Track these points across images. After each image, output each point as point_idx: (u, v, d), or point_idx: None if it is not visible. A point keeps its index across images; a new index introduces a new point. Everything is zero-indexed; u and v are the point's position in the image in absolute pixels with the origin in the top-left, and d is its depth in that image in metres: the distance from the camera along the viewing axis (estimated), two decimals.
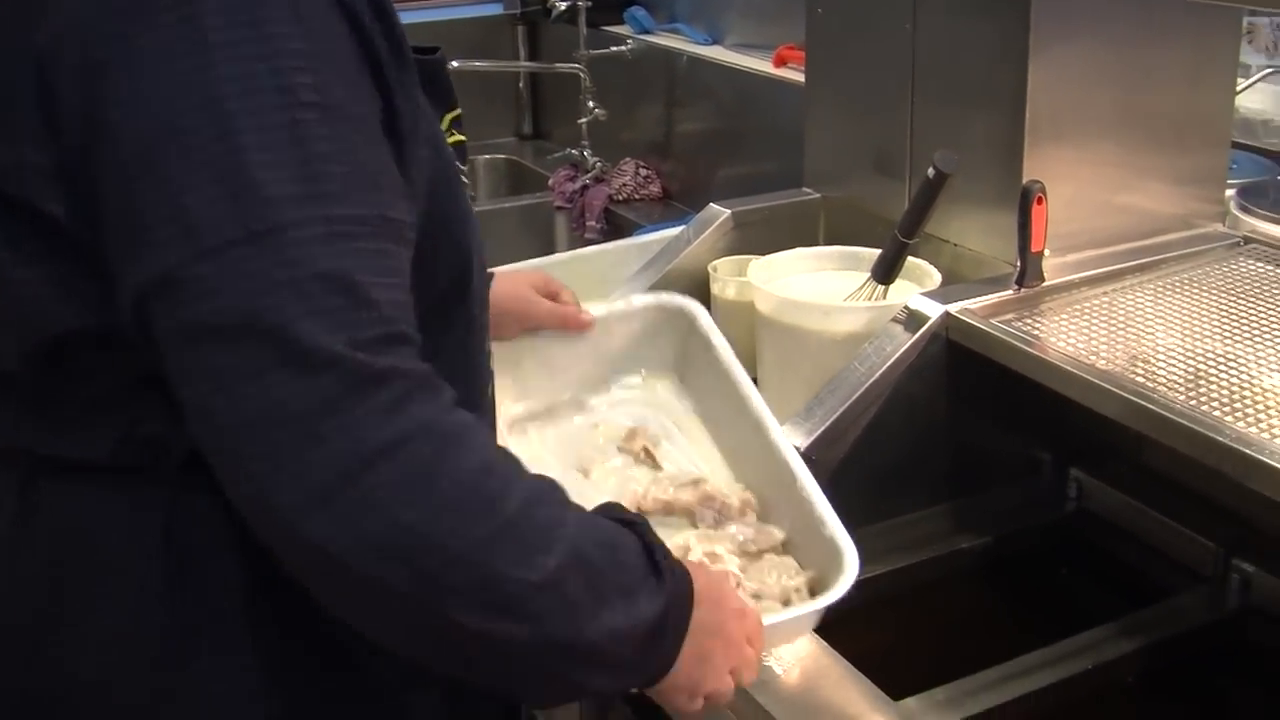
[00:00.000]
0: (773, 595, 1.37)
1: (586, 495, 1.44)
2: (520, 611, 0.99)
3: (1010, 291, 1.78)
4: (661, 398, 1.71)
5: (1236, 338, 1.66)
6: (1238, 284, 1.84)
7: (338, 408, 0.93)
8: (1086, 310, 1.76)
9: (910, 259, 1.93)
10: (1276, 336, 1.66)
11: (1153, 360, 1.59)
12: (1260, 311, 1.74)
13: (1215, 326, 1.70)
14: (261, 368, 0.93)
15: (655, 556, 1.10)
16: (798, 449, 1.64)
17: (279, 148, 0.95)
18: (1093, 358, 1.60)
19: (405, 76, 1.07)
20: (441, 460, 0.97)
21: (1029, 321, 1.71)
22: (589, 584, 1.03)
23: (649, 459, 1.61)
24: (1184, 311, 1.75)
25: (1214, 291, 1.82)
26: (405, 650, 1.05)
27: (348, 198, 0.97)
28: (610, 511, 1.16)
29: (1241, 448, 1.39)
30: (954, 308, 1.74)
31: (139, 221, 0.96)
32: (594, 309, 1.70)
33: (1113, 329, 1.69)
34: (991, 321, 1.70)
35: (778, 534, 1.45)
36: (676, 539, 1.43)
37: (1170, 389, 1.52)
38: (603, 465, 1.61)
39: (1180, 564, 1.81)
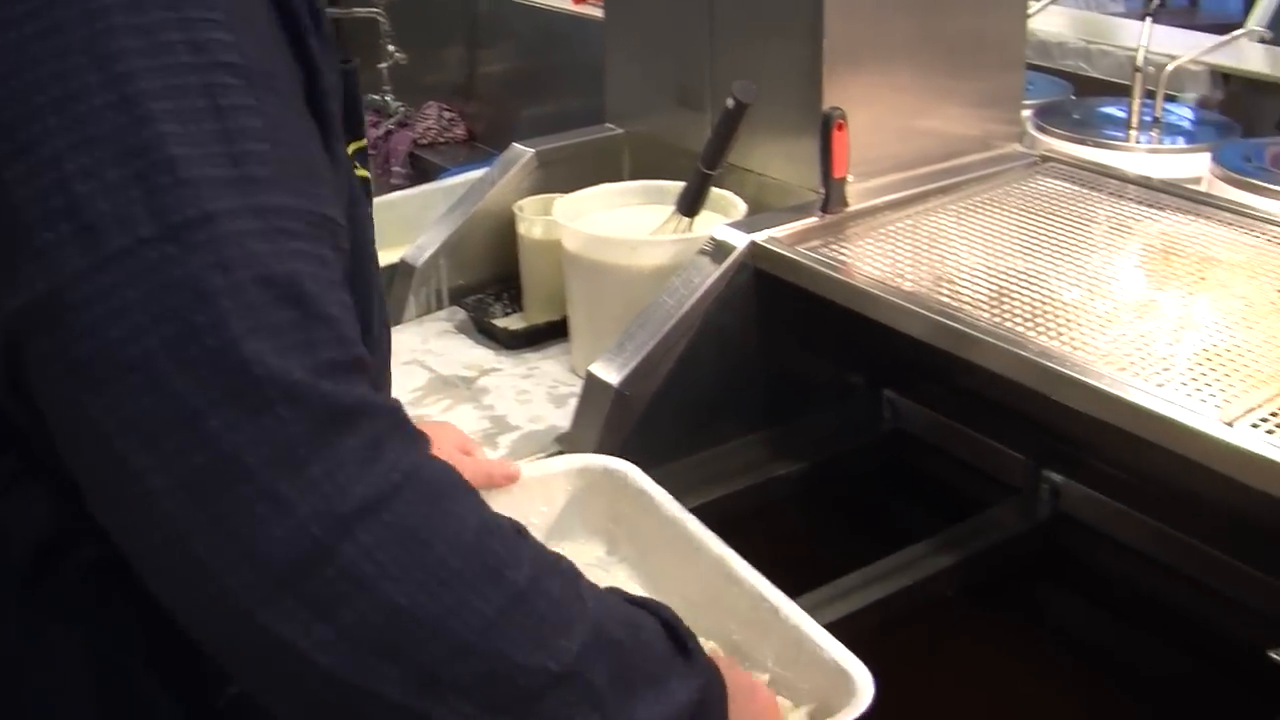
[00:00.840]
0: None
1: None
2: (539, 711, 0.79)
3: (815, 218, 1.79)
4: (587, 564, 1.58)
5: (1037, 254, 1.69)
6: (1037, 202, 1.88)
7: (303, 457, 0.72)
8: (891, 233, 1.77)
9: (715, 190, 1.93)
10: (1076, 252, 1.70)
11: (957, 280, 1.61)
12: (1059, 228, 1.77)
13: (1017, 244, 1.72)
14: (198, 408, 0.71)
15: (680, 635, 0.92)
16: (610, 385, 1.64)
17: (196, 118, 0.74)
18: (898, 280, 1.61)
19: (326, 51, 0.87)
20: (433, 520, 0.77)
21: (834, 247, 1.72)
22: (616, 671, 0.83)
23: None
24: (986, 231, 1.77)
25: (1014, 210, 1.85)
26: None
27: (281, 185, 0.76)
28: (617, 591, 0.95)
29: (1045, 361, 1.41)
30: (759, 237, 1.74)
31: (8, 228, 0.73)
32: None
33: (917, 251, 1.71)
34: (797, 249, 1.71)
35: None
36: None
37: (975, 307, 1.54)
38: None
39: (993, 478, 1.85)
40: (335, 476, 0.73)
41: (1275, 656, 1.28)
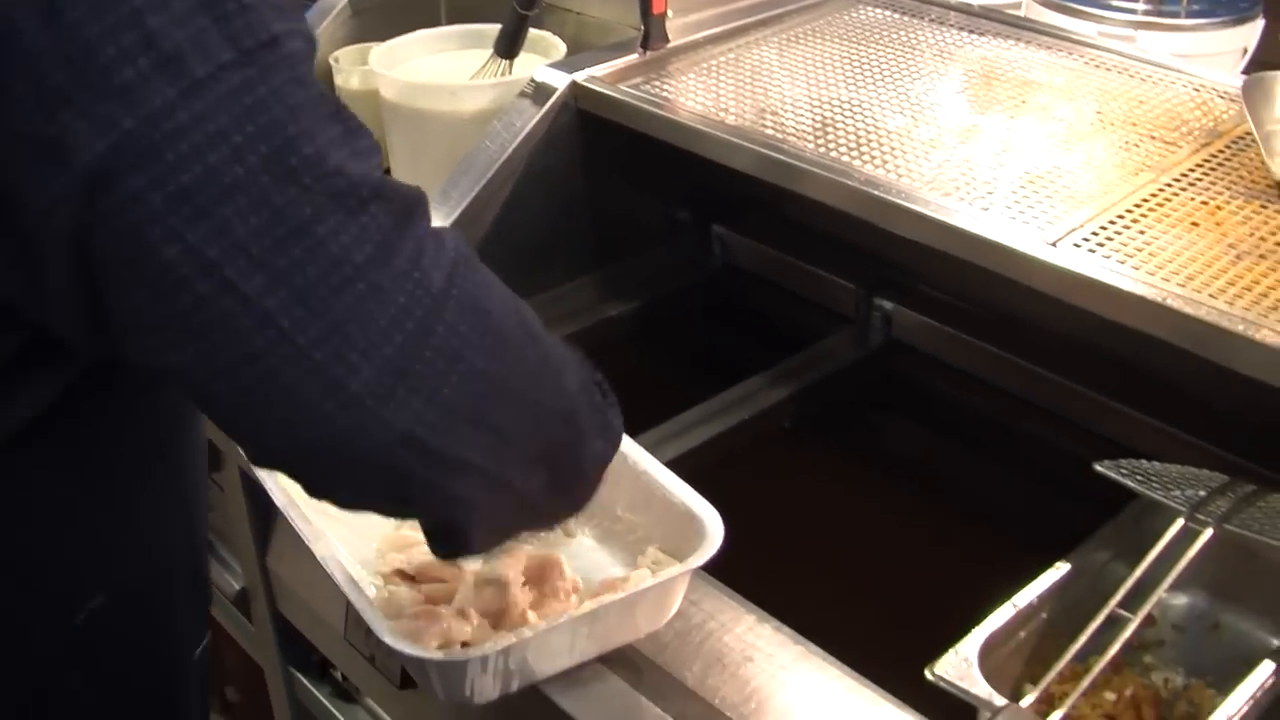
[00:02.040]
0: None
1: (372, 521, 1.32)
2: (570, 449, 0.92)
3: (635, 56, 1.76)
4: None
5: (861, 84, 1.68)
6: (859, 31, 1.87)
7: (394, 249, 0.77)
8: (713, 68, 1.75)
9: (534, 31, 1.89)
10: (899, 80, 1.69)
11: (781, 112, 1.60)
12: (882, 56, 1.77)
13: (840, 74, 1.72)
14: (305, 219, 0.75)
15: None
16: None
17: None
18: (722, 114, 1.60)
19: None
20: (484, 289, 0.84)
21: (656, 84, 1.70)
22: (594, 401, 0.96)
23: None
24: (809, 62, 1.76)
25: (837, 40, 1.83)
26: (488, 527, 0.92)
27: (295, 11, 0.79)
28: None
29: (871, 190, 1.41)
30: (580, 76, 1.71)
31: (80, 70, 0.72)
32: None
33: (740, 84, 1.69)
34: (619, 87, 1.68)
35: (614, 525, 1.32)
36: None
37: (799, 138, 1.53)
38: None
39: (825, 308, 1.86)
40: (420, 263, 0.78)
41: (1101, 470, 1.31)
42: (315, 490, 0.87)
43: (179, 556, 1.15)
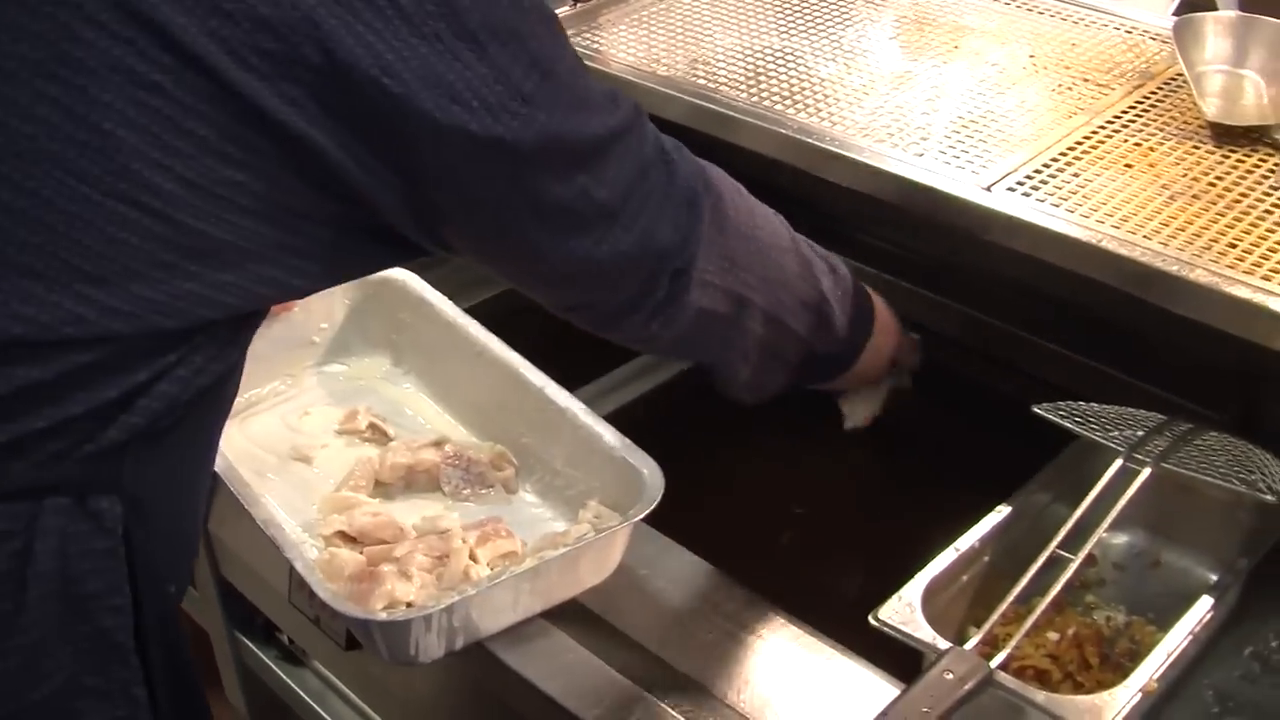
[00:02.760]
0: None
1: (313, 482, 1.36)
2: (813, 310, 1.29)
3: (568, 7, 1.75)
4: (375, 378, 1.53)
5: (792, 32, 1.68)
6: None
7: (674, 166, 1.12)
8: (644, 19, 1.74)
9: None
10: (830, 27, 1.69)
11: (713, 62, 1.59)
12: (813, 4, 1.76)
13: (771, 23, 1.71)
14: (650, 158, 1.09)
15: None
16: None
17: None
18: (654, 65, 1.59)
19: None
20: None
21: (588, 35, 1.68)
22: (841, 292, 1.36)
23: (378, 434, 1.42)
24: (740, 11, 1.75)
25: None
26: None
27: None
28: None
29: (804, 138, 1.41)
30: None
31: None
32: None
33: (671, 35, 1.68)
34: None
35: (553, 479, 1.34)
36: (429, 512, 1.29)
37: (732, 88, 1.52)
38: (324, 450, 1.41)
39: None
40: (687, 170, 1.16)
41: (1039, 412, 1.31)
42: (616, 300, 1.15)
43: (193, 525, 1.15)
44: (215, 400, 1.02)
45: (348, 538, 1.23)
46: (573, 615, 1.18)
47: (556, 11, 1.68)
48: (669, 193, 1.10)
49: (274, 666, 1.71)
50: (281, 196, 0.90)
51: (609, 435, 1.25)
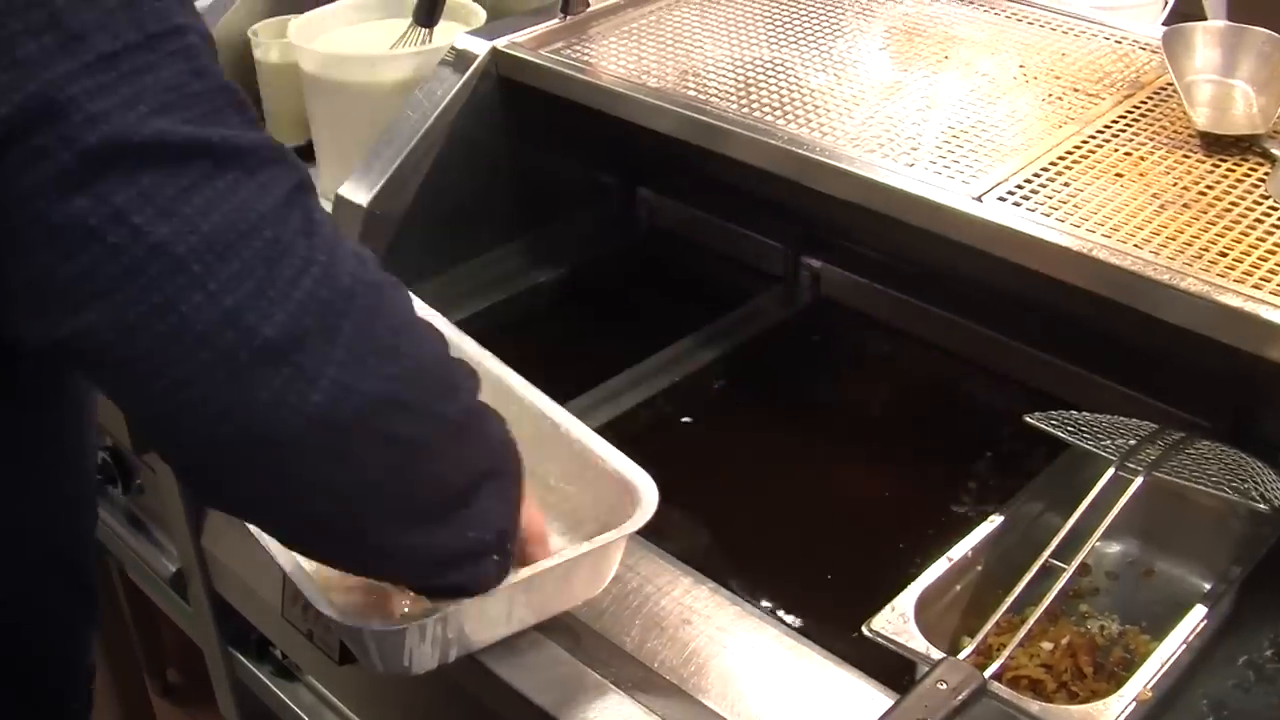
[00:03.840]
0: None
1: None
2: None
3: (556, 21, 1.74)
4: None
5: (782, 43, 1.68)
6: None
7: (292, 208, 0.82)
8: (635, 31, 1.74)
9: None
10: (820, 38, 1.69)
11: (703, 73, 1.59)
12: (803, 15, 1.76)
13: (761, 34, 1.71)
14: (209, 171, 0.78)
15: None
16: (360, 206, 1.59)
17: None
18: (644, 77, 1.59)
19: None
20: (364, 263, 0.87)
21: (578, 49, 1.68)
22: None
23: None
24: (730, 22, 1.75)
25: (758, 1, 1.82)
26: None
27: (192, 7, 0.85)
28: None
29: (794, 148, 1.41)
30: (501, 43, 1.69)
31: None
32: None
33: (662, 47, 1.68)
34: (540, 52, 1.67)
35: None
36: None
37: (722, 99, 1.52)
38: None
39: (753, 268, 1.86)
40: (317, 226, 0.83)
41: (1032, 421, 1.32)
42: (220, 482, 0.86)
43: (59, 554, 1.14)
44: None
45: None
46: (566, 627, 1.18)
47: (545, 25, 1.70)
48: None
49: (268, 682, 1.71)
50: None
51: (602, 449, 1.24)
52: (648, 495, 1.17)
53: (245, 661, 1.75)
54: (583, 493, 1.26)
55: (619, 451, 1.23)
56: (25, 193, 0.76)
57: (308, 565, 1.17)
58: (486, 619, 1.13)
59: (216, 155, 0.79)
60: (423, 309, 1.38)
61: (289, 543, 0.98)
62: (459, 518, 0.95)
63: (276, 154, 0.82)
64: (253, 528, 1.15)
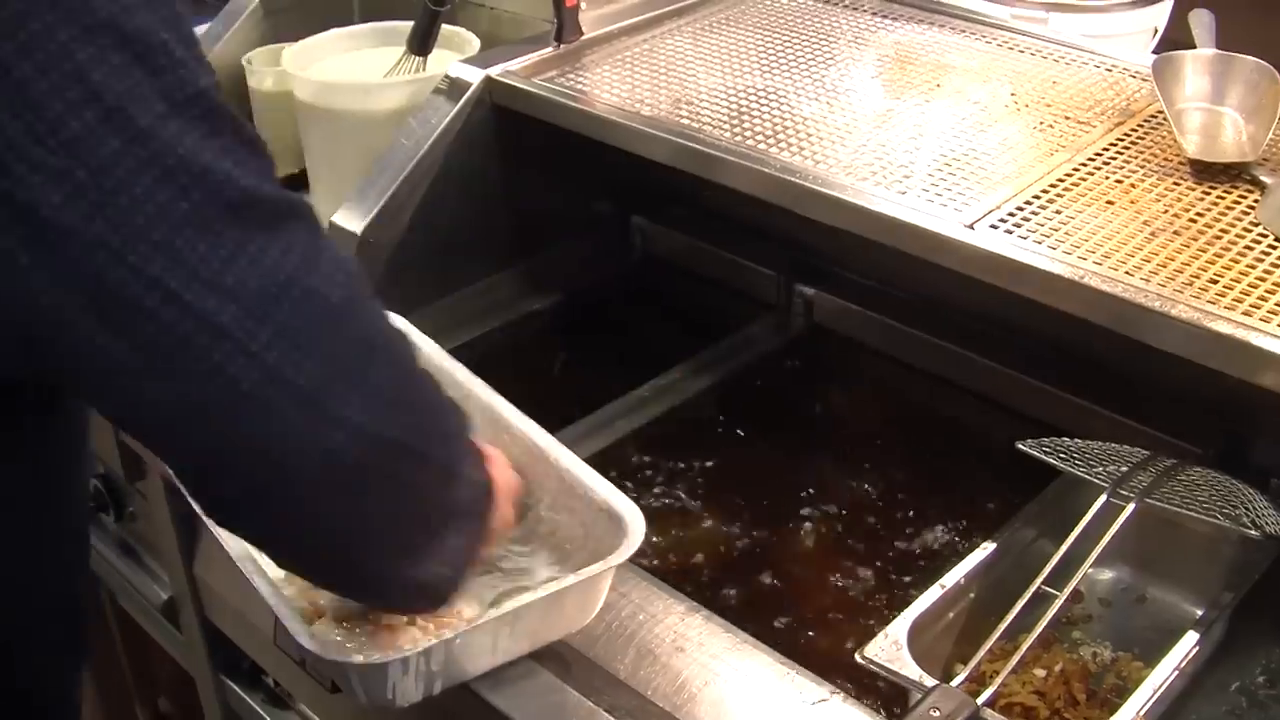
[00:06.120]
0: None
1: None
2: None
3: (550, 49, 1.75)
4: None
5: (775, 71, 1.68)
6: (773, 19, 1.87)
7: (318, 254, 0.88)
8: (628, 59, 1.75)
9: (448, 27, 1.87)
10: (813, 66, 1.69)
11: (696, 101, 1.60)
12: (796, 43, 1.77)
13: (754, 62, 1.72)
14: (241, 238, 0.84)
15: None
16: (354, 233, 1.60)
17: (162, 6, 0.84)
18: (638, 105, 1.59)
19: None
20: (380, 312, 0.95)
21: (571, 77, 1.69)
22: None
23: None
24: (723, 51, 1.76)
25: (751, 29, 1.83)
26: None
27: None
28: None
29: (787, 176, 1.41)
30: (495, 71, 1.70)
31: (28, 123, 0.78)
32: None
33: (655, 75, 1.69)
34: (534, 81, 1.68)
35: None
36: None
37: (715, 127, 1.53)
38: None
39: (747, 296, 1.87)
40: (342, 264, 0.90)
41: (1024, 448, 1.32)
42: (242, 514, 0.94)
43: (45, 588, 1.13)
44: None
45: None
46: (558, 655, 1.18)
47: (539, 54, 1.71)
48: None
49: (260, 710, 1.70)
50: None
51: (591, 479, 1.24)
52: (635, 526, 1.17)
53: (237, 689, 1.74)
54: (571, 522, 1.26)
55: (607, 481, 1.23)
56: (85, 279, 0.80)
57: (291, 593, 1.17)
58: (471, 651, 1.13)
59: (243, 215, 0.84)
60: (415, 335, 1.40)
61: (294, 567, 1.04)
62: (433, 551, 1.01)
63: (292, 205, 0.88)
64: (239, 562, 1.16)
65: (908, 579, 1.41)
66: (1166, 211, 1.33)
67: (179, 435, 0.87)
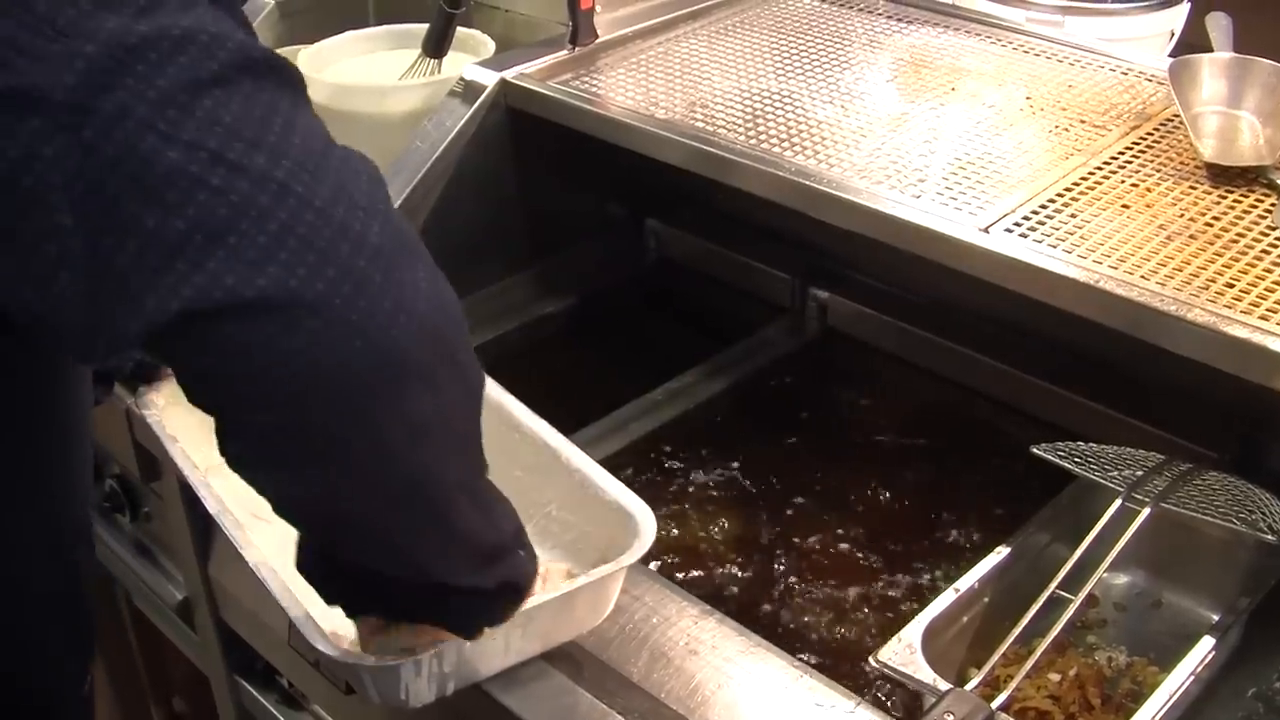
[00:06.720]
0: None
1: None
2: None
3: (565, 52, 1.75)
4: None
5: (790, 75, 1.68)
6: (788, 22, 1.87)
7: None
8: (643, 62, 1.75)
9: (463, 30, 1.88)
10: (828, 70, 1.69)
11: (711, 105, 1.60)
12: (811, 47, 1.77)
13: (769, 66, 1.72)
14: (273, 98, 0.78)
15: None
16: None
17: None
18: (652, 108, 1.59)
19: None
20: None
21: (586, 80, 1.69)
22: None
23: None
24: (738, 54, 1.76)
25: (766, 32, 1.83)
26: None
27: None
28: None
29: (802, 180, 1.41)
30: (510, 74, 1.70)
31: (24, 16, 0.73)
32: None
33: (670, 78, 1.69)
34: (549, 83, 1.68)
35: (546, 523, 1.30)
36: None
37: (730, 130, 1.53)
38: None
39: (761, 299, 1.86)
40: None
41: (1038, 452, 1.31)
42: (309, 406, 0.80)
43: (45, 585, 1.13)
44: None
45: None
46: (571, 656, 1.18)
47: (554, 56, 1.71)
48: None
49: (274, 710, 1.70)
50: None
51: (602, 479, 1.24)
52: (646, 526, 1.17)
53: (252, 690, 1.74)
54: (583, 522, 1.26)
55: (618, 481, 1.23)
56: (117, 156, 0.73)
57: (310, 604, 1.17)
58: (484, 652, 1.12)
59: (268, 78, 0.78)
60: None
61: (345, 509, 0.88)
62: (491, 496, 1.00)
63: (300, 74, 0.82)
64: (249, 558, 1.15)
65: (922, 583, 1.41)
66: (1182, 215, 1.33)
67: (247, 332, 0.75)
